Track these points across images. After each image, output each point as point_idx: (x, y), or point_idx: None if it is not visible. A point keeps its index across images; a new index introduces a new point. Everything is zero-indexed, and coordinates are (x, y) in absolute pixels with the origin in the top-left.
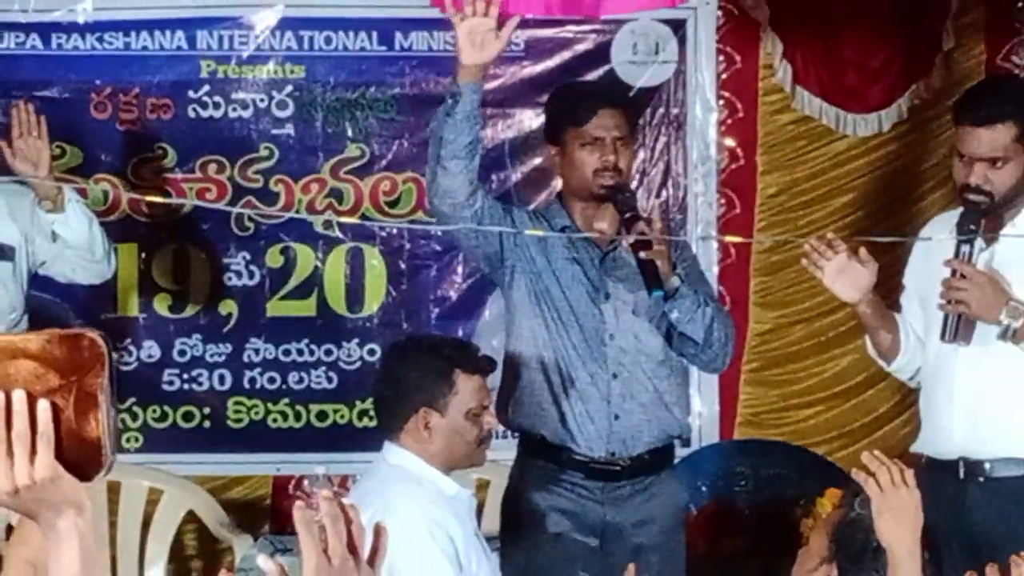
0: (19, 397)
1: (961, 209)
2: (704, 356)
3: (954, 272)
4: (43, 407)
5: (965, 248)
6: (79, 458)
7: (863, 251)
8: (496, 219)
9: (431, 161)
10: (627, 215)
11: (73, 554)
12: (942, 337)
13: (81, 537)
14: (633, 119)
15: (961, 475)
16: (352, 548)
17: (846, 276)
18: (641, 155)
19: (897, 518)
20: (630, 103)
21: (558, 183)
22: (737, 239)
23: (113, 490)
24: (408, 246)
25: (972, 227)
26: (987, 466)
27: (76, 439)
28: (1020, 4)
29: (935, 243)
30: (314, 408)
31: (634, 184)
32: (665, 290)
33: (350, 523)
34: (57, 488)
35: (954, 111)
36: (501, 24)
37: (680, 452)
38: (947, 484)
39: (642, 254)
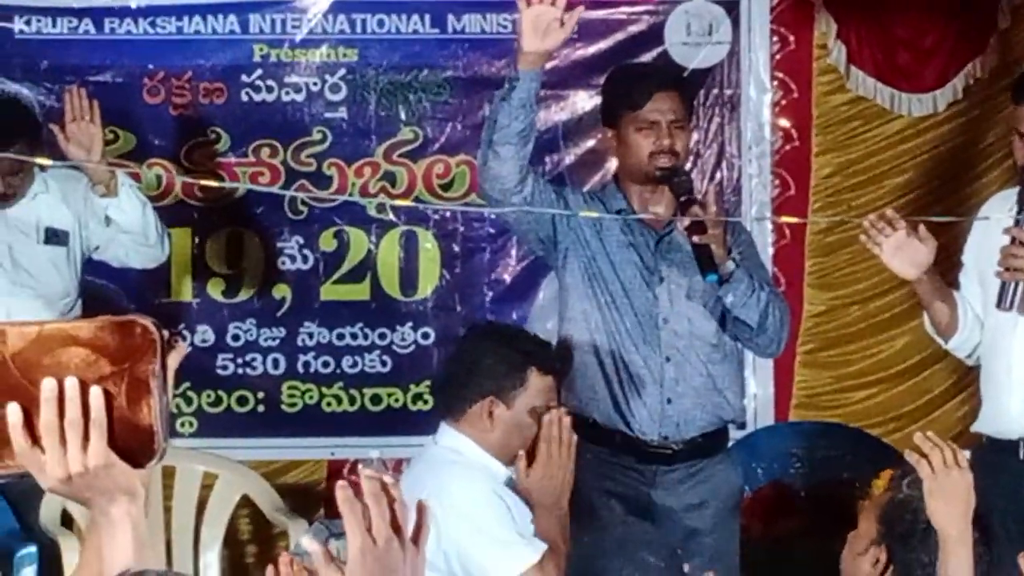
0: (71, 384)
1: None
2: (759, 340)
3: (1013, 240)
4: (95, 394)
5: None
6: (131, 445)
7: (922, 228)
8: (548, 202)
9: (483, 145)
10: (683, 198)
11: (127, 540)
12: (998, 305)
13: (134, 523)
14: (689, 101)
15: (1021, 455)
16: (396, 527)
17: (904, 253)
18: (695, 136)
19: (948, 499)
20: (685, 85)
21: (611, 165)
22: (792, 220)
23: (168, 474)
24: (462, 229)
25: None
26: None
27: (128, 426)
28: None
29: (994, 221)
30: (368, 392)
31: (688, 165)
32: (719, 274)
33: (393, 502)
34: (110, 475)
35: (1013, 90)
36: (570, 6)
37: (735, 434)
38: (1007, 464)
39: (696, 238)
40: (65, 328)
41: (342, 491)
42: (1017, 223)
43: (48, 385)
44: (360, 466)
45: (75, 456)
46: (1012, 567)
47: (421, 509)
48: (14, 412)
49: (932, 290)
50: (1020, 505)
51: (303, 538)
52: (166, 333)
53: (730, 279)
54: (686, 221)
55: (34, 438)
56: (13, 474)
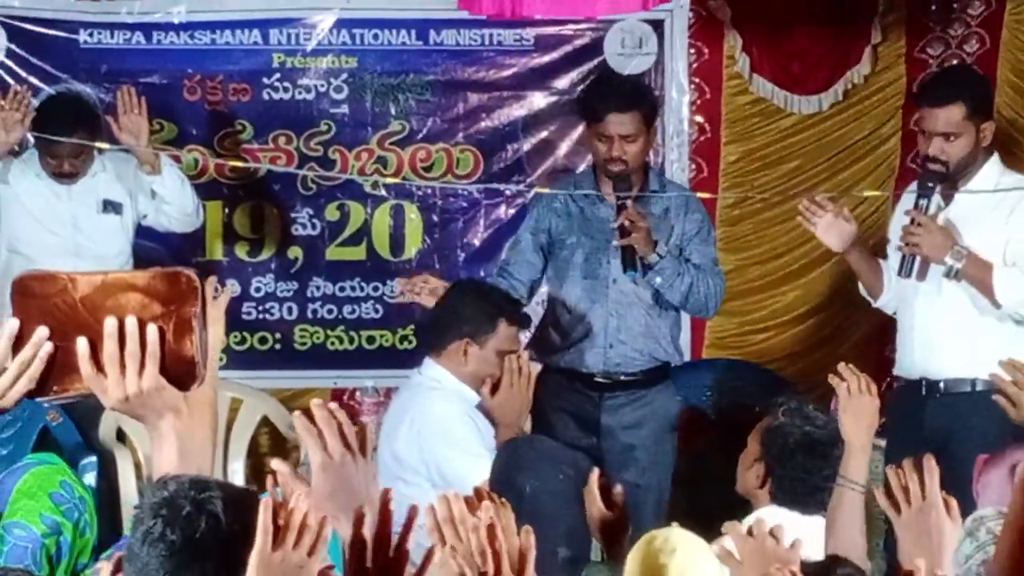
0: (131, 323)
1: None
2: (687, 309)
3: (912, 220)
4: (152, 330)
5: (923, 202)
6: (177, 372)
7: (845, 210)
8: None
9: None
10: (619, 202)
11: (172, 447)
12: (899, 273)
13: (178, 435)
14: (646, 117)
15: (923, 392)
16: (347, 444)
17: (833, 230)
18: None
19: (857, 418)
20: (641, 105)
21: (561, 151)
22: (705, 195)
23: None
24: (440, 203)
25: (931, 185)
26: (942, 384)
27: (175, 357)
28: (933, 7)
29: (910, 202)
30: (364, 334)
31: None
32: (636, 270)
33: (341, 425)
34: (160, 397)
35: (917, 94)
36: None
37: None
38: (912, 400)
39: (616, 242)
40: (124, 277)
41: (299, 420)
42: (917, 203)
43: (110, 323)
44: (359, 393)
45: (132, 380)
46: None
47: (362, 429)
48: (83, 345)
49: (859, 259)
50: (921, 431)
51: (274, 461)
52: (215, 282)
53: (656, 268)
54: (620, 220)
55: (98, 366)
56: (82, 395)
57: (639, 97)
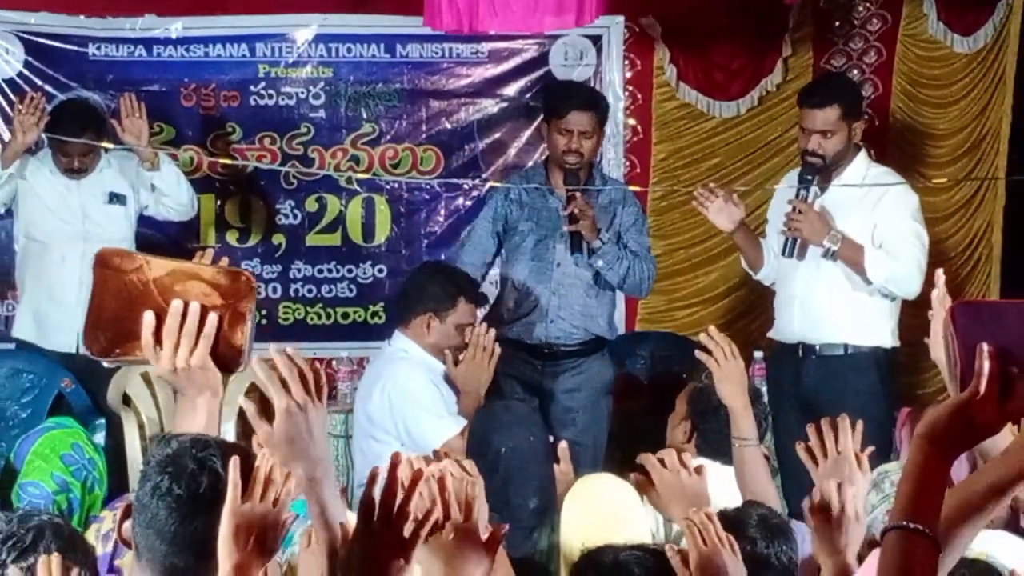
0: (195, 306)
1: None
2: (623, 290)
3: (794, 208)
4: (212, 316)
5: (803, 192)
6: (226, 357)
7: (735, 196)
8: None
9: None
10: (569, 192)
11: (202, 423)
12: (782, 254)
13: (210, 412)
14: (600, 116)
15: (800, 354)
16: (307, 390)
17: (723, 213)
18: None
19: (731, 382)
20: (596, 105)
21: (512, 150)
22: (637, 188)
23: None
24: (406, 195)
25: (809, 178)
26: (817, 348)
27: (227, 343)
28: (837, 24)
29: (788, 190)
30: (340, 310)
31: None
32: (583, 254)
33: (301, 370)
34: (204, 375)
35: (799, 97)
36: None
37: None
38: (790, 361)
39: (566, 228)
40: (193, 267)
41: (259, 365)
42: (798, 193)
43: (177, 303)
44: (335, 363)
45: (183, 356)
46: (797, 429)
47: (317, 372)
48: (149, 317)
49: (744, 239)
50: (798, 389)
51: (240, 398)
52: (227, 262)
53: (599, 252)
54: (570, 208)
55: (157, 340)
56: (138, 361)
57: (596, 100)
